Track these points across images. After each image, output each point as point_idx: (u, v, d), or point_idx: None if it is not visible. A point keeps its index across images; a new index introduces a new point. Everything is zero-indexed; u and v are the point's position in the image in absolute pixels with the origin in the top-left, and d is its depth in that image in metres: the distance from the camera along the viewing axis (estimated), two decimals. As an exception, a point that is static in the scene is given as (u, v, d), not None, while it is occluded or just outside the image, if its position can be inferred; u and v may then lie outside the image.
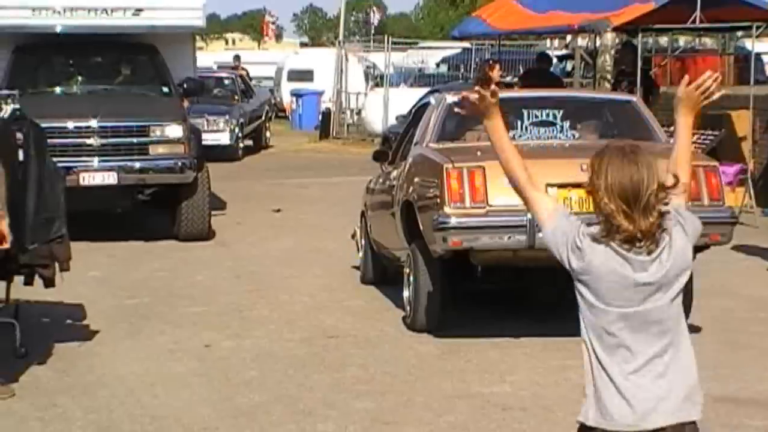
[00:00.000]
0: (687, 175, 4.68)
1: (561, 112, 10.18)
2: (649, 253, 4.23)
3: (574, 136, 10.16)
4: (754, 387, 8.14)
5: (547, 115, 10.14)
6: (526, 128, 10.10)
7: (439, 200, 9.12)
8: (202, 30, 20.15)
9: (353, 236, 12.25)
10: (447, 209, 9.03)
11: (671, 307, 4.26)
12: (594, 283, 4.21)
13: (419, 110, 11.65)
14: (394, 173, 10.75)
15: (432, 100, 10.99)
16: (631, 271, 4.18)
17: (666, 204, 4.33)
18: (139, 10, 16.96)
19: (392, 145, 11.80)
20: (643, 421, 4.20)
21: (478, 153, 9.36)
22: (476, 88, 4.52)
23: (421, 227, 9.47)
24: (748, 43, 27.45)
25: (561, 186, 8.99)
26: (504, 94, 10.66)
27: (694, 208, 8.87)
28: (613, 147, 4.44)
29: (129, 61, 17.55)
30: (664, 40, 25.73)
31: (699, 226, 4.54)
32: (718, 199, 9.37)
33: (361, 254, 11.91)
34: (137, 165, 14.61)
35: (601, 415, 4.21)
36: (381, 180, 11.41)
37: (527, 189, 4.67)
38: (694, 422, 4.27)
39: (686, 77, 4.73)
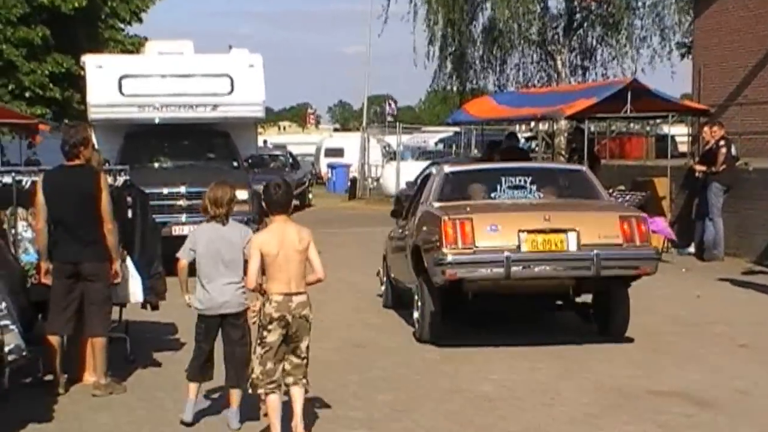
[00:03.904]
0: None
1: (530, 178, 10.12)
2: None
3: (539, 196, 10.08)
4: (674, 382, 8.05)
5: (519, 180, 10.07)
6: (504, 190, 10.04)
7: (438, 243, 9.07)
8: (262, 120, 20.19)
9: (378, 274, 12.14)
10: (444, 250, 8.98)
11: None
12: None
13: (424, 179, 11.59)
14: (406, 226, 10.72)
15: (434, 170, 10.96)
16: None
17: None
18: (216, 106, 17.08)
19: (404, 205, 11.75)
20: None
21: (468, 209, 9.38)
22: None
23: (425, 264, 9.42)
24: (665, 128, 27.58)
25: (530, 231, 8.99)
26: (487, 165, 10.84)
27: (628, 247, 8.98)
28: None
29: (208, 143, 17.62)
30: (602, 125, 25.75)
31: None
32: (646, 242, 9.28)
33: (383, 287, 11.85)
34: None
35: None
36: (397, 232, 11.36)
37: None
38: None
39: None
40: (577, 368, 8.51)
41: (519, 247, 8.92)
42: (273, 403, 6.34)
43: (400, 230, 11.02)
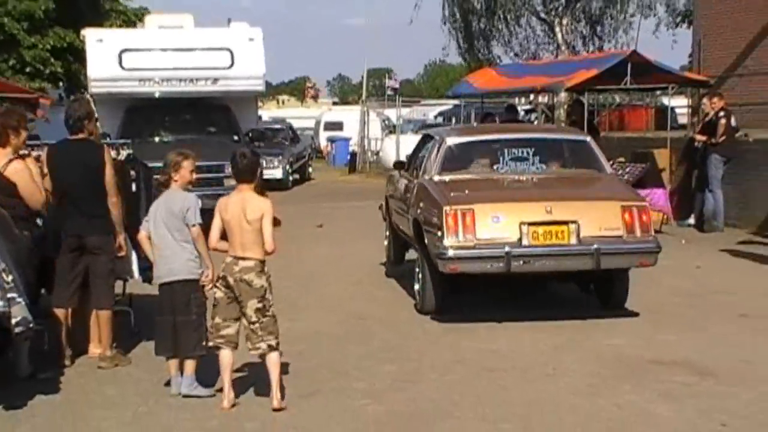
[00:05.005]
0: None
1: (532, 149, 10.03)
2: None
3: (541, 168, 9.99)
4: (675, 352, 8.11)
5: (522, 152, 9.99)
6: (507, 162, 9.97)
7: (440, 232, 8.96)
8: (262, 94, 20.19)
9: (380, 208, 12.45)
10: (446, 242, 8.87)
11: None
12: None
13: (425, 138, 11.46)
14: (408, 183, 10.64)
15: (436, 136, 10.75)
16: None
17: None
18: (216, 80, 17.10)
19: (401, 160, 11.83)
20: None
21: (468, 193, 9.24)
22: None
23: (427, 245, 9.35)
24: (665, 99, 27.55)
25: (531, 224, 8.91)
26: (489, 136, 10.79)
27: (629, 239, 8.89)
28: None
29: (209, 117, 17.67)
30: (602, 97, 25.73)
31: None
32: (648, 232, 9.11)
33: (386, 242, 12.04)
34: (216, 193, 14.62)
35: None
36: (399, 180, 11.29)
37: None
38: None
39: None
40: (579, 340, 8.58)
41: (520, 240, 8.83)
42: (222, 358, 6.71)
43: (402, 182, 10.94)
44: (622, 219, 8.97)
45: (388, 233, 12.14)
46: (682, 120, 24.83)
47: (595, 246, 8.82)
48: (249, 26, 18.24)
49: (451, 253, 8.84)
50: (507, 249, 8.78)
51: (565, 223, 8.89)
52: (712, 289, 10.94)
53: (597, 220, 8.97)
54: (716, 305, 10.05)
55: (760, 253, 13.12)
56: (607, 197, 9.35)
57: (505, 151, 10.02)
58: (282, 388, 6.70)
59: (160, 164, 12.85)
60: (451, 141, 10.34)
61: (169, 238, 6.93)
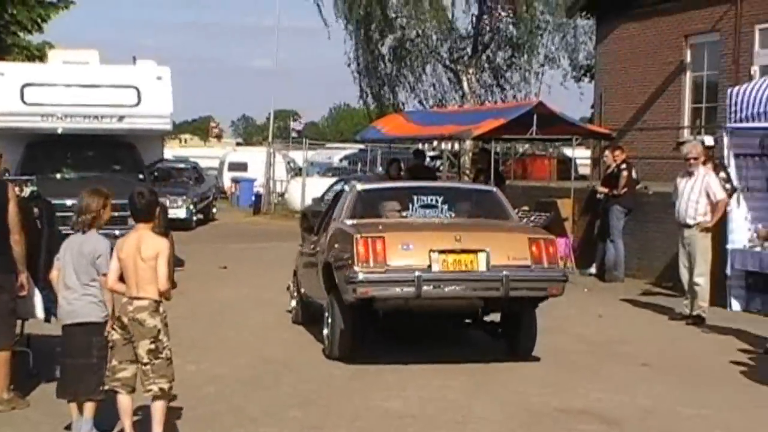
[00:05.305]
0: None
1: (441, 197, 10.17)
2: None
3: (450, 216, 10.13)
4: (582, 401, 8.20)
5: (431, 200, 10.11)
6: (416, 209, 10.08)
7: (350, 261, 9.05)
8: (169, 132, 19.96)
9: (288, 288, 12.13)
10: (356, 268, 8.97)
11: None
12: None
13: (336, 196, 11.53)
14: (318, 242, 10.70)
15: (346, 187, 10.93)
16: None
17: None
18: (122, 117, 16.85)
19: (312, 221, 11.72)
20: None
21: (380, 227, 9.41)
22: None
23: (337, 281, 9.40)
24: (567, 150, 28.17)
25: (441, 251, 9.04)
26: (400, 184, 10.86)
27: (537, 270, 9.10)
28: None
29: (113, 154, 17.37)
30: (507, 146, 26.13)
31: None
32: (555, 263, 9.41)
33: (293, 303, 11.81)
34: (118, 232, 14.29)
35: None
36: (308, 248, 11.32)
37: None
38: None
39: None
40: (488, 386, 8.62)
41: (430, 266, 8.96)
42: (120, 403, 6.60)
43: (312, 246, 11.00)
44: (530, 250, 9.17)
45: (294, 303, 11.82)
46: (583, 171, 25.40)
47: (505, 273, 8.97)
48: (156, 64, 18.04)
49: (361, 276, 8.90)
50: (418, 273, 8.86)
51: (475, 251, 9.03)
52: (615, 338, 11.13)
53: (506, 250, 9.17)
54: (619, 354, 10.22)
55: (659, 304, 13.42)
56: (514, 231, 9.63)
57: (415, 198, 10.14)
58: None
59: (62, 201, 12.54)
60: (362, 187, 10.42)
61: (74, 279, 6.79)
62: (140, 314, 6.47)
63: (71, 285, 6.80)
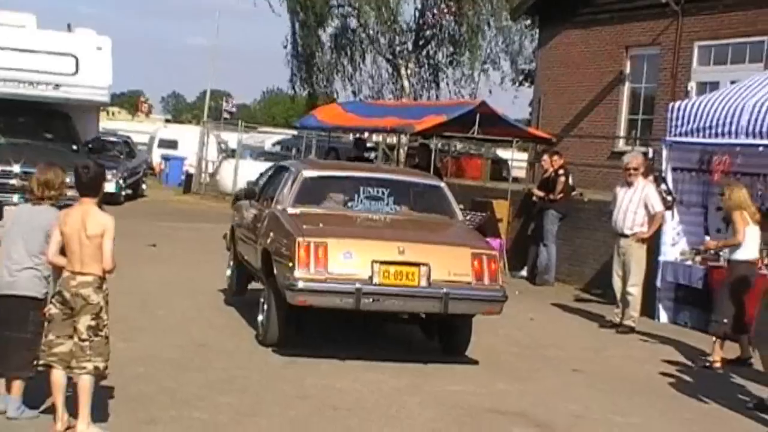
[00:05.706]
0: None
1: (388, 190, 10.04)
2: None
3: (395, 209, 10.01)
4: (514, 403, 8.24)
5: (377, 192, 10.00)
6: (362, 200, 9.96)
7: (290, 264, 8.83)
8: (106, 104, 19.60)
9: (224, 237, 12.17)
10: (296, 274, 8.74)
11: None
12: None
13: (279, 169, 11.25)
14: (258, 213, 10.48)
15: (292, 168, 10.62)
16: None
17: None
18: (58, 85, 16.52)
19: (252, 189, 11.58)
20: None
21: (323, 228, 9.15)
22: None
23: (275, 276, 9.22)
24: (500, 152, 28.36)
25: (383, 263, 8.88)
26: (347, 173, 10.74)
27: (477, 286, 9.00)
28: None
29: (47, 123, 17.06)
30: (444, 143, 26.22)
31: None
32: (496, 281, 9.21)
33: (228, 272, 11.73)
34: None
35: None
36: (248, 209, 11.07)
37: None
38: None
39: None
40: (420, 384, 8.60)
41: (371, 278, 8.80)
42: (55, 378, 6.42)
43: (253, 215, 10.74)
44: (472, 266, 9.06)
45: (231, 263, 11.90)
46: (517, 173, 25.58)
47: (445, 290, 8.90)
48: (96, 34, 17.71)
49: (301, 285, 8.73)
50: (358, 285, 8.75)
51: (417, 264, 8.93)
52: (546, 342, 11.23)
53: (447, 264, 9.04)
54: (550, 359, 10.30)
55: (589, 311, 13.58)
56: (458, 243, 9.45)
57: (360, 189, 10.01)
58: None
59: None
60: (308, 174, 10.25)
61: (21, 251, 6.58)
62: (84, 289, 6.32)
63: (16, 256, 6.60)
